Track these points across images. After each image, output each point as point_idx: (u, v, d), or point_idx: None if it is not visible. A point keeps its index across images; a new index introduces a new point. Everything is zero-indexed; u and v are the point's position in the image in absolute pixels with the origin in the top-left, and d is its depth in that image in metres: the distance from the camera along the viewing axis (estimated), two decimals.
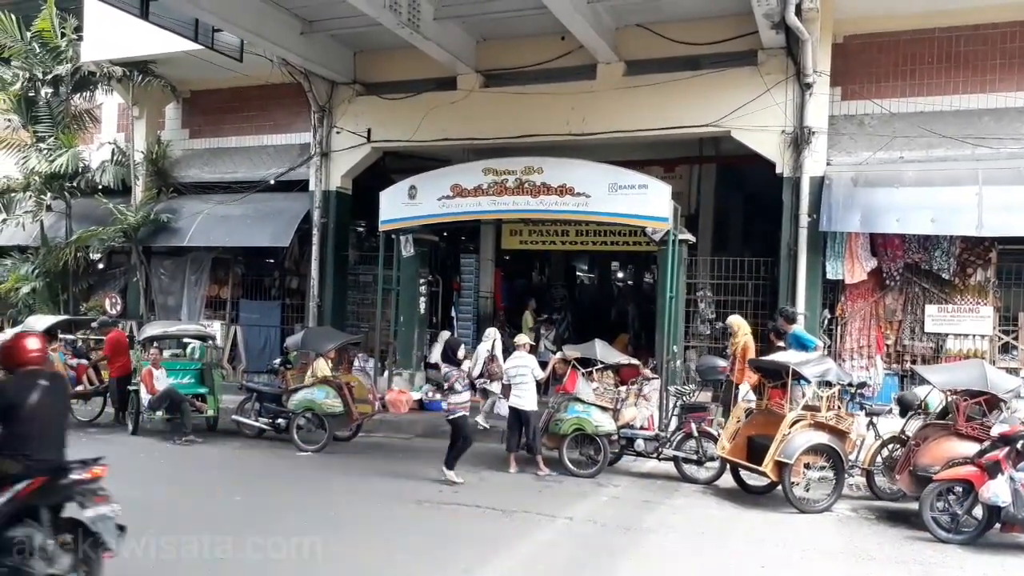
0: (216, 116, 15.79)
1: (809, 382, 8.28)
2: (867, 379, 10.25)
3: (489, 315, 15.73)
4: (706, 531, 7.18)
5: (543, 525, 7.21)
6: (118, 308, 15.09)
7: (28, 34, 14.88)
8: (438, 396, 12.37)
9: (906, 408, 8.65)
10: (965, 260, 10.70)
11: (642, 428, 9.32)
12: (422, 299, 14.13)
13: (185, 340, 12.86)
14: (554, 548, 6.63)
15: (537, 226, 15.37)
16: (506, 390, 9.62)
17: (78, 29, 14.70)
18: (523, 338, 9.87)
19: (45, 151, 15.11)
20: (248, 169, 15.15)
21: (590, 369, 9.37)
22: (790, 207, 11.12)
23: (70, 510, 4.72)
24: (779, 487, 8.00)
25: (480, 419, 11.19)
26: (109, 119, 17.17)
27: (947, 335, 10.76)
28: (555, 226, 15.19)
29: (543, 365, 10.02)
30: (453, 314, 15.77)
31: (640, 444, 9.25)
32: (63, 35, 14.84)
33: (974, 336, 10.63)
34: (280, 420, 10.80)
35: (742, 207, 16.97)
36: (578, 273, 22.34)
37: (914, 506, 7.41)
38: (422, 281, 14.07)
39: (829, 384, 8.28)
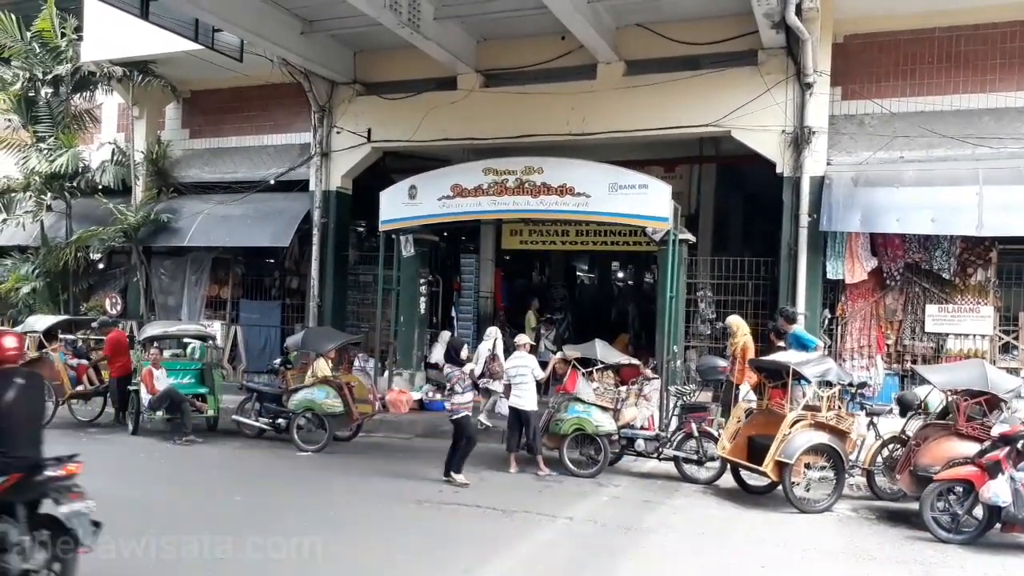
0: (216, 116, 15.79)
1: (809, 382, 8.27)
2: (867, 379, 10.22)
3: (489, 315, 15.72)
4: (706, 531, 7.18)
5: (543, 525, 7.21)
6: (118, 308, 15.10)
7: (28, 34, 14.88)
8: (438, 396, 12.41)
9: (906, 408, 8.65)
10: (965, 260, 10.70)
11: (642, 428, 9.31)
12: (422, 299, 14.13)
13: (185, 340, 12.85)
14: (554, 548, 6.63)
15: (537, 226, 15.37)
16: (507, 389, 9.62)
17: (78, 29, 14.70)
18: (523, 338, 9.86)
19: (45, 151, 15.12)
20: (248, 169, 15.15)
21: (590, 369, 9.37)
22: (790, 207, 11.12)
23: (47, 507, 4.77)
24: (779, 487, 8.00)
25: (483, 417, 11.20)
26: (109, 119, 17.18)
27: (947, 335, 10.76)
28: (555, 226, 15.19)
29: (543, 365, 10.01)
30: (453, 314, 15.78)
31: (640, 444, 9.26)
32: (63, 35, 14.85)
33: (974, 336, 10.63)
34: (280, 420, 10.80)
35: (742, 207, 16.97)
36: (578, 273, 22.33)
37: (914, 506, 7.41)
38: (422, 281, 14.07)
39: (829, 384, 8.28)
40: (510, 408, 9.43)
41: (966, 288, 10.71)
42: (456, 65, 12.50)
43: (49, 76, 15.07)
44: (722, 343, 11.63)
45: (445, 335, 13.51)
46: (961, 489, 6.97)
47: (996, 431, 7.06)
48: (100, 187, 15.17)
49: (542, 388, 9.78)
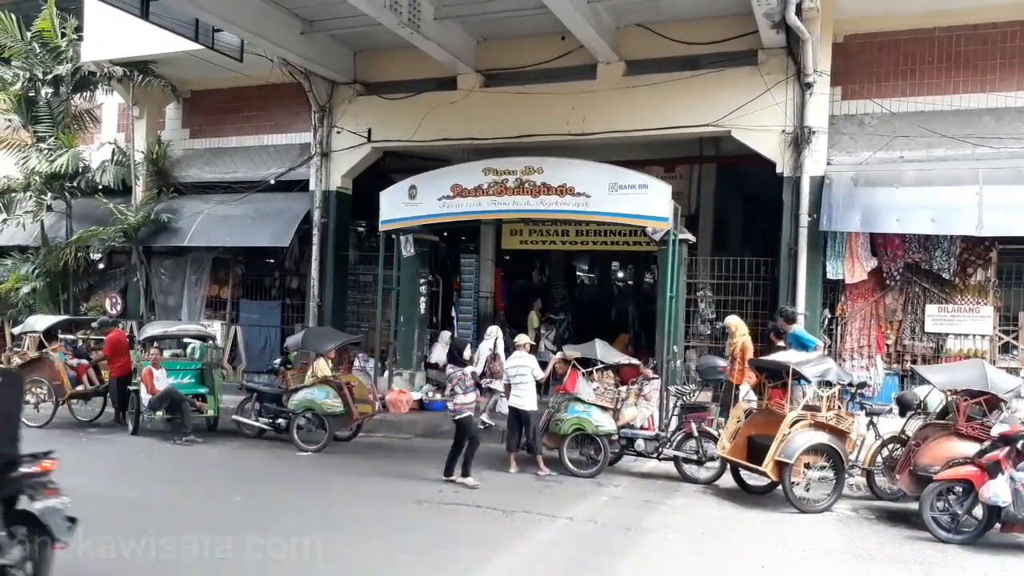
0: (216, 116, 15.79)
1: (809, 382, 8.27)
2: (867, 379, 10.24)
3: (489, 315, 15.72)
4: (706, 531, 7.18)
5: (543, 525, 7.21)
6: (118, 308, 15.10)
7: (28, 34, 14.89)
8: (438, 396, 12.42)
9: (906, 408, 8.64)
10: (965, 260, 10.70)
11: (642, 428, 9.32)
12: (422, 299, 14.13)
13: (185, 340, 12.85)
14: (554, 548, 6.63)
15: (537, 226, 15.37)
16: (507, 389, 9.62)
17: (78, 29, 14.70)
18: (523, 338, 9.85)
19: (45, 151, 15.12)
20: (248, 169, 15.15)
21: (590, 369, 9.37)
22: (790, 207, 11.12)
23: (23, 503, 4.78)
24: (779, 487, 8.00)
25: (484, 417, 11.21)
26: (109, 119, 17.18)
27: (947, 335, 10.76)
28: (555, 226, 15.19)
29: (543, 365, 10.02)
30: (453, 314, 15.78)
31: (640, 444, 9.26)
32: (63, 35, 14.85)
33: (974, 336, 10.63)
34: (280, 420, 10.80)
35: (742, 207, 16.96)
36: (578, 273, 22.33)
37: (914, 506, 7.41)
38: (422, 281, 14.07)
39: (829, 384, 8.28)
40: (510, 408, 9.44)
41: (966, 288, 10.72)
42: (456, 65, 12.51)
43: (49, 76, 15.07)
44: (722, 343, 11.62)
45: (445, 335, 13.53)
46: (961, 489, 6.97)
47: (996, 431, 7.06)
48: (100, 187, 15.17)
49: (542, 388, 9.78)
